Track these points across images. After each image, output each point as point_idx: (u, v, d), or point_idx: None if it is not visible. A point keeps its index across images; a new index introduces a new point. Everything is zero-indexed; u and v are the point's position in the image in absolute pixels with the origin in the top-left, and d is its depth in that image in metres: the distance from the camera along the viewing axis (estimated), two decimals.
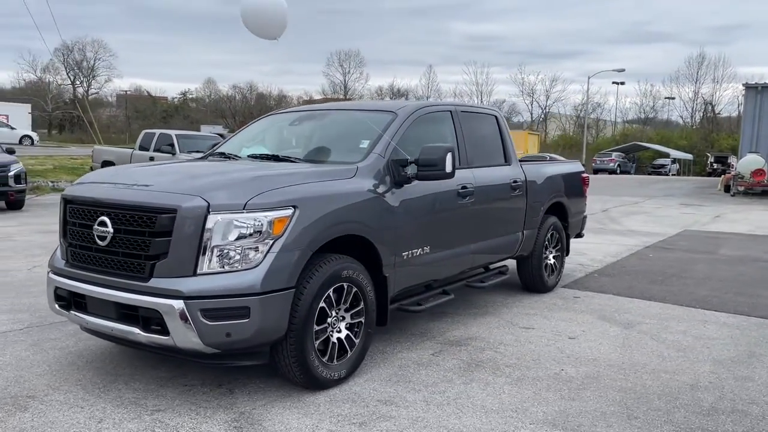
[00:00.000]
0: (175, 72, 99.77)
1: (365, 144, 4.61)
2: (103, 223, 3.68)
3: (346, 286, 3.97)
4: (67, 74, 68.64)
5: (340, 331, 4.02)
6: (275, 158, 4.76)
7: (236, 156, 5.00)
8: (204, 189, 3.55)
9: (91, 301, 3.74)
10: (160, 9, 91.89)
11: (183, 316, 3.35)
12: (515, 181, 5.96)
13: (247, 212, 3.47)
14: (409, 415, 3.58)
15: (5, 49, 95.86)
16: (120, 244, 3.62)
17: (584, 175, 7.57)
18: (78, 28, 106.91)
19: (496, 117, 6.14)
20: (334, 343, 3.95)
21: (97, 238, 3.71)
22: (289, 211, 3.59)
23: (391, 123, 4.72)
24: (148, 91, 75.49)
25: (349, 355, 4.05)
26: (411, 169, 4.47)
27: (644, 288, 7.06)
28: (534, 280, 6.61)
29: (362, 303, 4.11)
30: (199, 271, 3.43)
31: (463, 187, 5.13)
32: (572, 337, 5.15)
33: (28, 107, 46.09)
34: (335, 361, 3.95)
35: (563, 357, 4.66)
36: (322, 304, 3.79)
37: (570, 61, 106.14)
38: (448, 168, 4.46)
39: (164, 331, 3.43)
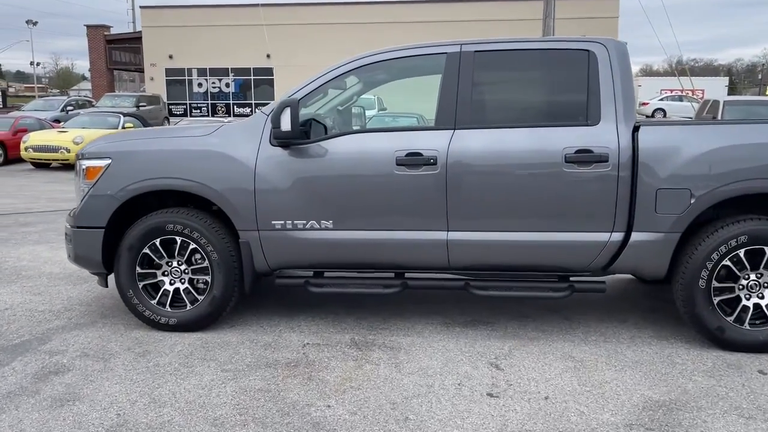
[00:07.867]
0: None
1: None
2: None
3: (179, 241, 4.12)
4: None
5: (183, 282, 4.20)
6: None
7: None
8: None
9: None
10: None
11: None
12: (584, 151, 3.74)
13: (81, 159, 4.28)
14: (103, 372, 3.68)
15: None
16: None
17: None
18: None
19: (588, 53, 3.88)
20: (166, 290, 4.21)
21: None
22: (104, 162, 4.14)
23: (314, 77, 4.15)
24: None
25: (188, 308, 4.18)
26: None
27: None
28: (688, 319, 3.89)
29: (207, 262, 4.12)
30: None
31: (411, 154, 3.88)
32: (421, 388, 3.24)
33: (725, 80, 45.59)
34: (167, 307, 4.20)
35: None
36: (146, 251, 4.15)
37: None
38: (284, 126, 3.78)
39: None
